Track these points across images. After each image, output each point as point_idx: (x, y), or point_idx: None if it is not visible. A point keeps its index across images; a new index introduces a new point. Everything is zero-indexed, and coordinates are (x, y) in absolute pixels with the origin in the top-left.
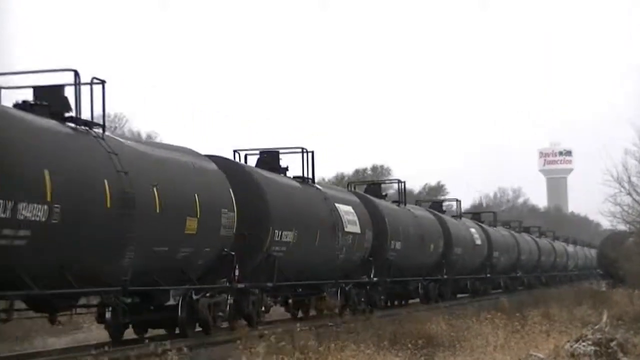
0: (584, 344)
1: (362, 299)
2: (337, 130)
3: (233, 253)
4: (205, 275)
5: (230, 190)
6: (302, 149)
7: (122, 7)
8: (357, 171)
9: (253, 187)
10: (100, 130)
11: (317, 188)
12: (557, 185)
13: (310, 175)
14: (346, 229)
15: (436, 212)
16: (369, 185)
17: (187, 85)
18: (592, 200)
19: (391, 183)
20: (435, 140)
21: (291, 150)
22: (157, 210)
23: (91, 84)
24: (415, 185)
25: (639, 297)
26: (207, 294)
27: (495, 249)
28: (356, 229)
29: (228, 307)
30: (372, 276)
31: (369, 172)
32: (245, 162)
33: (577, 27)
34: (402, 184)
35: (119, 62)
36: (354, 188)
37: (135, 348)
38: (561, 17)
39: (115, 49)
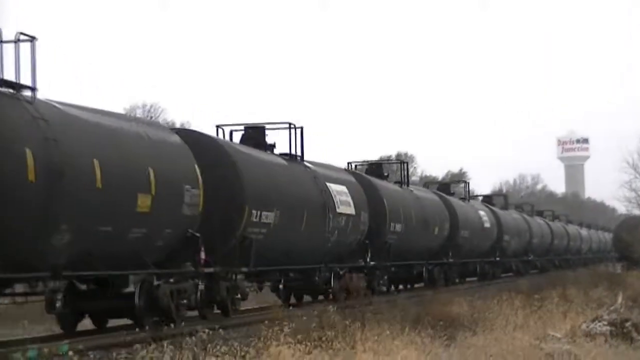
0: (599, 324)
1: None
2: (362, 120)
3: (198, 234)
4: (170, 259)
5: (196, 166)
6: (290, 124)
7: (122, 6)
8: (381, 158)
9: (226, 163)
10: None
11: (306, 166)
12: (574, 172)
13: (299, 153)
14: (338, 210)
15: (442, 194)
16: (370, 166)
17: (187, 86)
18: (609, 187)
19: (393, 163)
20: (458, 129)
21: (278, 126)
22: (98, 185)
23: (17, 41)
24: (438, 172)
25: None
26: (171, 280)
27: (506, 232)
28: (350, 210)
29: (199, 294)
30: (368, 260)
31: (393, 158)
32: (230, 139)
33: (597, 18)
34: (405, 165)
35: (118, 62)
36: (355, 168)
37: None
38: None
39: (115, 49)
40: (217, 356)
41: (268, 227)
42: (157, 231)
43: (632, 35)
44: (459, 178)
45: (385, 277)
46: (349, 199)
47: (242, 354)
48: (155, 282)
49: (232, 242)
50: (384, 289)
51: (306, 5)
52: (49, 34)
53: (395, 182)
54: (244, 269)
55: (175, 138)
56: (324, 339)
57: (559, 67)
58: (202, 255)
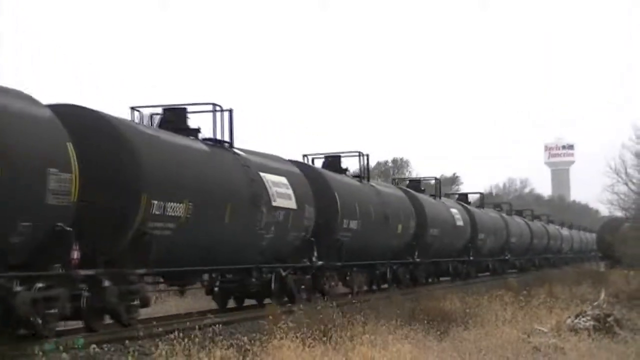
0: (583, 319)
1: (303, 286)
2: (357, 123)
3: (69, 229)
4: (35, 259)
5: (69, 145)
6: (215, 105)
7: (123, 6)
8: (378, 163)
9: (115, 144)
10: None
11: (236, 153)
12: (560, 176)
13: (228, 139)
14: (274, 204)
15: (409, 190)
16: (327, 158)
17: (187, 85)
18: (593, 190)
19: (352, 156)
20: (451, 135)
21: (201, 107)
22: None
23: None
24: (430, 175)
25: (634, 277)
26: (39, 285)
27: (481, 231)
28: (290, 203)
29: (83, 301)
30: (314, 260)
31: (390, 165)
32: (151, 123)
33: (583, 24)
34: (365, 157)
35: (119, 62)
36: (312, 162)
37: None
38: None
39: (114, 49)
40: (226, 349)
41: (177, 220)
42: (10, 225)
43: (617, 48)
44: (452, 183)
45: (336, 278)
46: (290, 192)
47: (247, 347)
48: (17, 288)
49: (128, 238)
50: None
51: (305, 6)
52: (49, 33)
53: (355, 177)
54: (141, 271)
55: (42, 112)
56: (324, 333)
57: (548, 78)
58: (75, 254)
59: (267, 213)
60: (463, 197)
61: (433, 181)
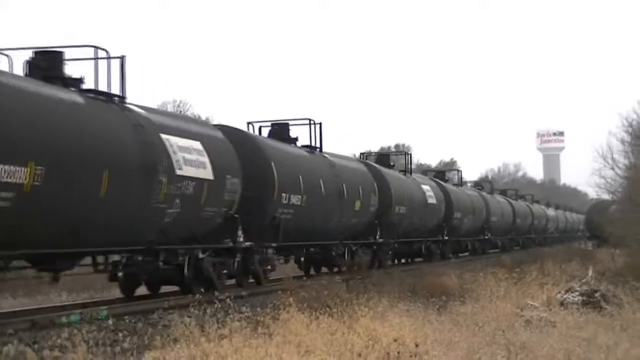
0: (572, 294)
1: (224, 271)
2: (363, 113)
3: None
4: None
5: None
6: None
7: (124, 4)
8: (382, 148)
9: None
10: None
11: (127, 109)
12: (551, 161)
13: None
14: (180, 172)
15: (372, 164)
16: (273, 126)
17: (187, 85)
18: (581, 174)
19: (301, 124)
20: (450, 123)
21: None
22: None
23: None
24: (431, 161)
25: (619, 256)
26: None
27: (457, 210)
28: (204, 173)
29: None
30: (239, 239)
31: (392, 150)
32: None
33: (575, 21)
34: (318, 125)
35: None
36: (259, 131)
37: None
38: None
39: (117, 46)
40: (238, 320)
41: (18, 189)
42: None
43: (605, 43)
44: (451, 166)
45: (273, 260)
46: (205, 159)
47: (259, 318)
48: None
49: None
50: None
51: (306, 3)
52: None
53: (304, 147)
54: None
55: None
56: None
57: (541, 69)
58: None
59: (169, 184)
60: (440, 175)
61: (403, 155)
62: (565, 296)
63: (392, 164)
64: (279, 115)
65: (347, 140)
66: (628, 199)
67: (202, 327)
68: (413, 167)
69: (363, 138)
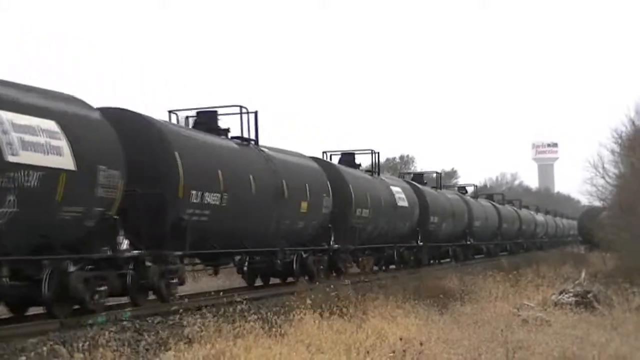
0: (566, 295)
1: (102, 287)
2: (365, 123)
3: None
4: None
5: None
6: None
7: (123, 5)
8: (387, 159)
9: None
10: None
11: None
12: (546, 170)
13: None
14: (12, 159)
15: (327, 161)
16: (198, 114)
17: (189, 86)
18: (574, 182)
19: (231, 113)
20: (451, 134)
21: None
22: None
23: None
24: (433, 170)
25: (610, 259)
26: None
27: (434, 213)
28: (57, 161)
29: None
30: (118, 247)
31: (398, 161)
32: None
33: (567, 41)
34: (253, 115)
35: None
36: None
37: None
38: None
39: (117, 46)
40: (251, 322)
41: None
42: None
43: (598, 57)
44: (451, 175)
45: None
46: (61, 143)
47: (272, 320)
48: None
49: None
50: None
51: (305, 5)
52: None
53: (233, 138)
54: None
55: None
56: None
57: (537, 82)
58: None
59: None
60: (418, 178)
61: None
62: (559, 297)
63: (358, 163)
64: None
65: (341, 145)
66: (617, 206)
67: (218, 328)
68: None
69: (361, 145)
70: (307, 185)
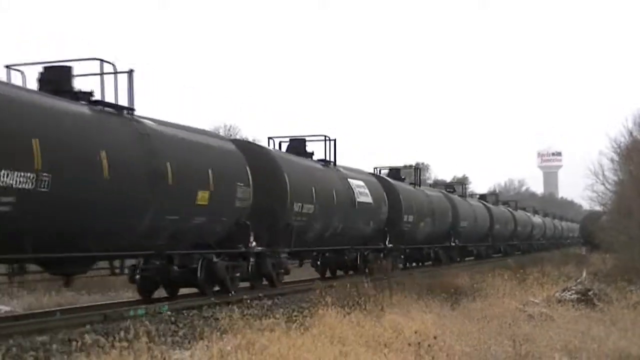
0: (569, 293)
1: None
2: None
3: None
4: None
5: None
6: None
7: (123, 5)
8: (405, 166)
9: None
10: None
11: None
12: (550, 177)
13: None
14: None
15: (257, 146)
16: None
17: (188, 86)
18: (577, 188)
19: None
20: (463, 142)
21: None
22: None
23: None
24: (445, 176)
25: (609, 259)
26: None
27: (408, 212)
28: None
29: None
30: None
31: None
32: (280, 147)
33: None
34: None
35: (120, 59)
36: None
37: None
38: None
39: (116, 46)
40: (277, 317)
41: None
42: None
43: (599, 71)
44: (463, 181)
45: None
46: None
47: (296, 314)
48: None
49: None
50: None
51: (304, 6)
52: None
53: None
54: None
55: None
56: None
57: (542, 93)
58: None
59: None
60: (394, 173)
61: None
62: (562, 294)
63: (312, 151)
64: (285, 123)
65: (359, 155)
66: (616, 211)
67: (248, 321)
68: (430, 182)
69: (379, 154)
70: (233, 175)
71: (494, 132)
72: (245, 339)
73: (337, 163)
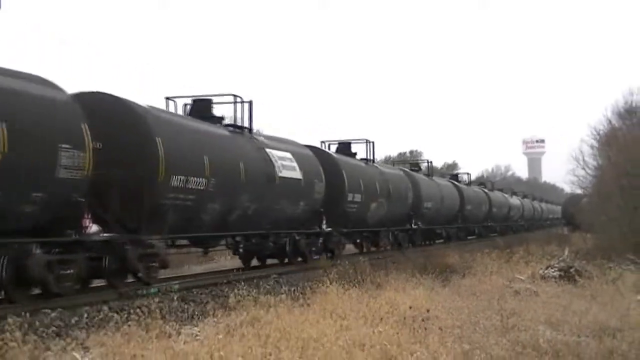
0: (551, 270)
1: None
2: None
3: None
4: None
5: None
6: (235, 96)
7: (124, 5)
8: (399, 154)
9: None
10: None
11: (253, 137)
12: (534, 163)
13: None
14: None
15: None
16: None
17: (188, 86)
18: (559, 173)
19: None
20: (451, 130)
21: (224, 99)
22: None
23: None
24: (437, 162)
25: (589, 239)
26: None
27: (352, 191)
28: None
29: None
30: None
31: (408, 155)
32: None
33: (551, 46)
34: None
35: (120, 59)
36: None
37: None
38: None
39: (116, 46)
40: (283, 294)
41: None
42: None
43: (582, 61)
44: (453, 168)
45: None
46: None
47: (301, 291)
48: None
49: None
50: None
51: (305, 5)
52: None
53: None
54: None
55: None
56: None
57: (528, 85)
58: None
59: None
60: (344, 148)
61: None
62: (546, 271)
63: (245, 127)
64: (285, 119)
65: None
66: (596, 194)
67: (255, 298)
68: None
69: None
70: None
71: (483, 122)
72: (250, 315)
73: (263, 131)
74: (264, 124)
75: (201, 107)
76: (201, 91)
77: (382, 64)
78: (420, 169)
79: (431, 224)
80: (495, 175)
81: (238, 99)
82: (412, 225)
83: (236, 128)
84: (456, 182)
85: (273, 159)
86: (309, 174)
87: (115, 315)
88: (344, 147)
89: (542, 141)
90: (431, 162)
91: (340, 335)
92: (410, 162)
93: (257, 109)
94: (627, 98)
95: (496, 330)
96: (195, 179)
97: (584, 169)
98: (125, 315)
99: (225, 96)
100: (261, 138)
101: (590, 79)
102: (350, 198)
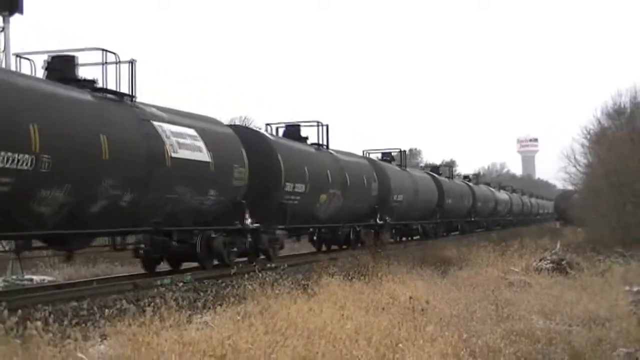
0: (544, 262)
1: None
2: (365, 117)
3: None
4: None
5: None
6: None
7: (124, 5)
8: (399, 152)
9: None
10: None
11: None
12: (528, 161)
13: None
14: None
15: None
16: (287, 127)
17: (188, 85)
18: (551, 170)
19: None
20: (451, 128)
21: (310, 123)
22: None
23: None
24: (436, 160)
25: (580, 233)
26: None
27: (291, 180)
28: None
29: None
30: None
31: (408, 153)
32: (277, 133)
33: (545, 49)
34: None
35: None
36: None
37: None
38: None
39: (116, 46)
40: (286, 285)
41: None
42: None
43: (574, 63)
44: (451, 165)
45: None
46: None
47: (304, 283)
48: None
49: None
50: None
51: (305, 5)
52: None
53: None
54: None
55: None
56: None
57: (522, 86)
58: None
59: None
60: (293, 133)
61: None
62: (539, 264)
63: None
64: (288, 117)
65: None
66: (586, 190)
67: (263, 289)
68: (422, 165)
69: (383, 140)
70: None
71: (479, 121)
72: (259, 305)
73: (155, 104)
74: (263, 124)
75: (292, 130)
76: (197, 90)
77: (380, 64)
78: (392, 159)
79: (403, 219)
80: (491, 172)
81: (320, 123)
82: (378, 220)
83: (113, 94)
84: (435, 175)
85: (163, 135)
86: (223, 157)
87: (132, 305)
88: (293, 131)
89: (536, 140)
90: (404, 151)
91: (344, 324)
92: (382, 151)
93: (257, 108)
94: (616, 99)
95: (492, 320)
96: (19, 155)
97: (575, 166)
98: (143, 305)
99: (89, 50)
100: (151, 109)
101: (581, 81)
102: (289, 188)
